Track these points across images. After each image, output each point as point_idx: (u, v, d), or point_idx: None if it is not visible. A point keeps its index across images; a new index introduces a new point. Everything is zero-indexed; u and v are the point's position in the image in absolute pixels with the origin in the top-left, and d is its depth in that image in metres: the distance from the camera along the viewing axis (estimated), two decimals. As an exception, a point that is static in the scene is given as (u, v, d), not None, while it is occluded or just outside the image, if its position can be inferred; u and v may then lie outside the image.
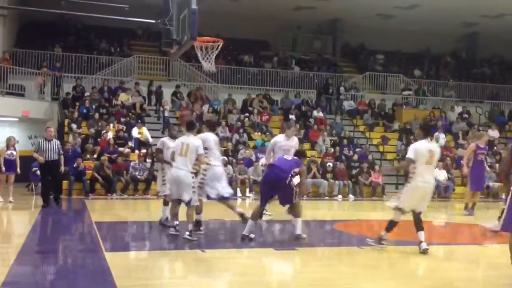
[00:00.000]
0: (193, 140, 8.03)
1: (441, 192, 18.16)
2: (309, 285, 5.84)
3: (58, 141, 12.58)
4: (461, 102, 24.71)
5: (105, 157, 15.94)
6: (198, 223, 8.58)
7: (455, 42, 27.73)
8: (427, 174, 7.43)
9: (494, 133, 22.02)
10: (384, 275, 6.36)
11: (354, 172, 17.99)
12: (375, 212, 14.06)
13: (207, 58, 10.13)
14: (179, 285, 5.79)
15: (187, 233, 7.73)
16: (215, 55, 10.13)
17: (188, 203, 7.94)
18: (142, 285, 5.61)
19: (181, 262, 6.95)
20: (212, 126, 9.18)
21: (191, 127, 8.30)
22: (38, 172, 15.54)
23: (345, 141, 19.84)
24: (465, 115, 23.47)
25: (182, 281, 6.00)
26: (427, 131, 7.74)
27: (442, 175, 18.48)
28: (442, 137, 21.04)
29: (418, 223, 7.46)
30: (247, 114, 20.71)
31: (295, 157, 8.49)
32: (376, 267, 6.78)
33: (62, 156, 12.46)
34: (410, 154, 7.41)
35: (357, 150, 19.44)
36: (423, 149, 7.40)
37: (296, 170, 8.12)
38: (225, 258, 7.28)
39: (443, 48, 27.39)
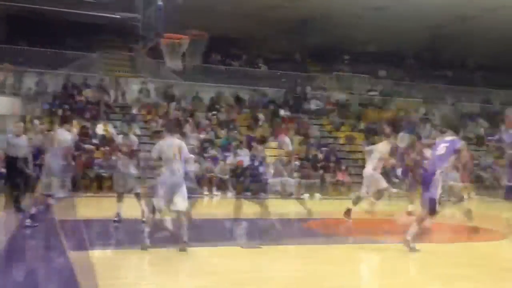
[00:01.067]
0: (181, 142, 7.62)
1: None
2: (283, 284, 5.83)
3: (26, 137, 11.76)
4: (425, 104, 25.15)
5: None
6: None
7: (419, 43, 28.22)
8: None
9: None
10: (358, 272, 6.40)
11: (320, 171, 18.12)
12: (341, 211, 14.16)
13: (174, 55, 10.03)
14: (147, 285, 5.72)
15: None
16: (182, 52, 10.03)
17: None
18: (109, 284, 5.52)
19: (144, 259, 6.87)
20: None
21: (176, 128, 7.88)
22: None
23: (311, 141, 19.97)
24: (429, 116, 23.95)
25: (147, 280, 5.92)
26: None
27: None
28: (407, 137, 21.38)
29: None
30: (214, 112, 20.63)
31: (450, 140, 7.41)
32: (348, 264, 6.83)
33: (30, 153, 11.51)
34: None
35: (322, 149, 19.57)
36: None
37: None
38: (196, 256, 7.21)
39: (408, 50, 27.85)
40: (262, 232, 9.63)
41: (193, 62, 9.62)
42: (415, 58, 28.53)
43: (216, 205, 15.51)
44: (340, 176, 18.30)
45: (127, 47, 18.52)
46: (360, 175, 19.36)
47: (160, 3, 8.64)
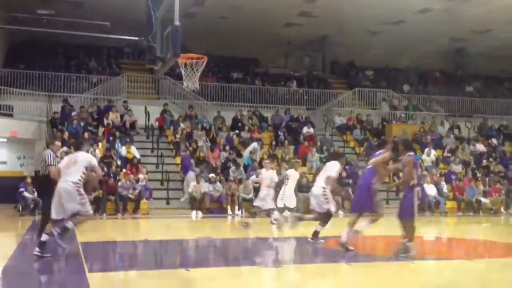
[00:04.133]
0: None
1: (432, 208, 18.11)
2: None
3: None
4: (450, 117, 24.78)
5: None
6: None
7: (443, 57, 27.94)
8: None
9: (480, 147, 22.12)
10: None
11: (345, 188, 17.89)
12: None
13: (192, 75, 10.09)
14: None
15: None
16: (200, 72, 10.08)
17: None
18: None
19: (163, 282, 6.83)
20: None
21: None
22: (26, 193, 15.53)
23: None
24: (455, 130, 23.56)
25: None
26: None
27: (432, 190, 18.45)
28: (433, 152, 21.08)
29: None
30: (237, 131, 20.68)
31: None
32: (367, 283, 6.69)
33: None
34: None
35: (347, 167, 19.30)
36: None
37: None
38: (209, 277, 7.16)
39: (431, 64, 27.60)
40: (283, 251, 9.55)
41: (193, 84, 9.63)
42: (439, 71, 28.23)
43: (238, 225, 15.43)
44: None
45: (148, 69, 18.73)
46: (384, 190, 19.19)
47: (177, 23, 8.71)
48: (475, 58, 27.28)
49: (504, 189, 19.54)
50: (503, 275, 7.31)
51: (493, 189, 19.47)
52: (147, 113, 20.63)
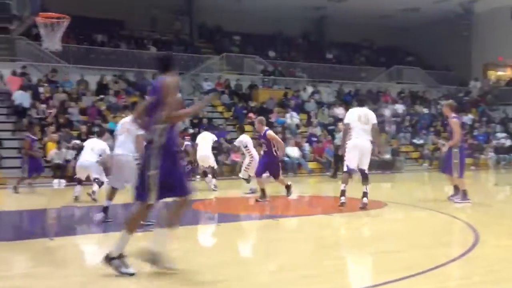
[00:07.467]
0: None
1: (295, 169, 19.07)
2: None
3: None
4: (312, 82, 26.01)
5: None
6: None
7: (305, 25, 29.12)
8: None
9: (339, 110, 23.61)
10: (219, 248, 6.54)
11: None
12: (232, 190, 14.38)
13: (53, 36, 9.54)
14: (24, 277, 5.46)
15: None
16: (61, 33, 9.56)
17: None
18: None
19: (27, 253, 6.55)
20: None
21: None
22: None
23: (205, 121, 19.92)
24: (316, 95, 24.83)
25: (27, 272, 5.65)
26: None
27: (295, 152, 19.39)
28: (295, 116, 22.10)
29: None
30: (102, 96, 19.94)
31: None
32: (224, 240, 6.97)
33: None
34: None
35: (215, 132, 19.58)
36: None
37: None
38: (72, 245, 7.00)
39: (294, 31, 28.64)
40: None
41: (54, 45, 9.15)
42: (301, 38, 29.38)
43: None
44: (233, 157, 18.46)
45: (1, 28, 17.22)
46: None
47: (34, -20, 8.13)
48: (334, 26, 28.76)
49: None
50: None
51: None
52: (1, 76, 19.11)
